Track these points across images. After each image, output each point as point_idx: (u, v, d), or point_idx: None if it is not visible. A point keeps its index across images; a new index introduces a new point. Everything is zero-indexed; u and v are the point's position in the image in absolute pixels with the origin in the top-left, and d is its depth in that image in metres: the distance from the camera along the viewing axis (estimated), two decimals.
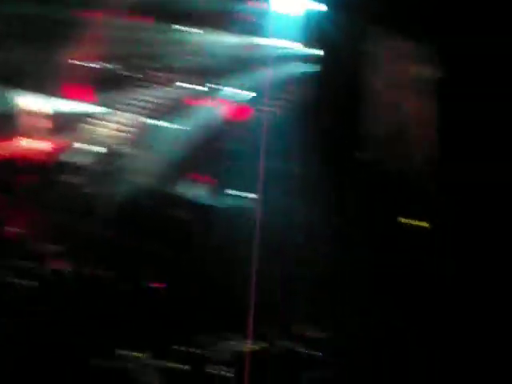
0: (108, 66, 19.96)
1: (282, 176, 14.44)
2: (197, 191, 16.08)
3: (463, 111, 11.91)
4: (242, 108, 18.01)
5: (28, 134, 18.03)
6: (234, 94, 17.94)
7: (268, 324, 12.05)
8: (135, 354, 11.81)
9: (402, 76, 13.70)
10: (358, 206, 13.38)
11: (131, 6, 18.58)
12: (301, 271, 12.57)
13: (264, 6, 17.35)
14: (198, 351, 11.50)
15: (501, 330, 10.90)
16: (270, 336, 11.97)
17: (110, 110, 19.81)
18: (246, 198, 15.46)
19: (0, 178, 15.86)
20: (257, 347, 10.91)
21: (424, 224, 12.57)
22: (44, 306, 12.20)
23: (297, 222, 12.88)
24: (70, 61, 18.80)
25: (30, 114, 17.93)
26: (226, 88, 18.13)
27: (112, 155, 17.49)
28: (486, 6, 11.47)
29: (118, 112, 20.03)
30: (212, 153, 16.90)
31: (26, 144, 17.98)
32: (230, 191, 15.68)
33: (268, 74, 17.07)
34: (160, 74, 19.84)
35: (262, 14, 17.53)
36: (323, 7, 14.41)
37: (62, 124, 18.89)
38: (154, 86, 19.77)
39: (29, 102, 17.89)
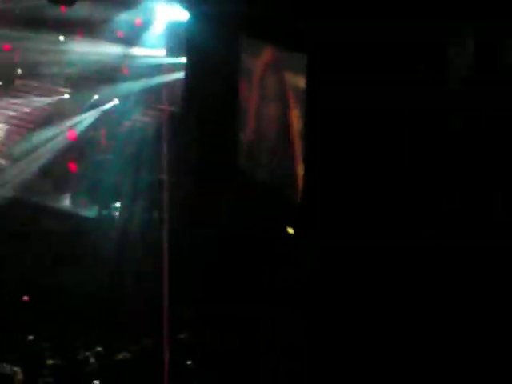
0: None
1: (151, 186, 14.39)
2: (67, 202, 15.91)
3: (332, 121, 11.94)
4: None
5: None
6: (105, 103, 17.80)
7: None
8: None
9: (274, 86, 13.68)
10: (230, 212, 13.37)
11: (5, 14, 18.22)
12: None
13: (135, 16, 17.29)
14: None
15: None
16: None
17: None
18: (113, 208, 15.39)
19: None
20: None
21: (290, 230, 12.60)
22: None
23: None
24: None
25: None
26: (96, 97, 17.98)
27: None
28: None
29: None
30: (82, 163, 16.71)
31: None
32: (97, 202, 15.55)
33: (140, 84, 17.01)
34: (30, 83, 19.48)
35: (134, 24, 17.47)
36: (194, 18, 14.33)
37: None
38: (24, 94, 19.40)
39: None
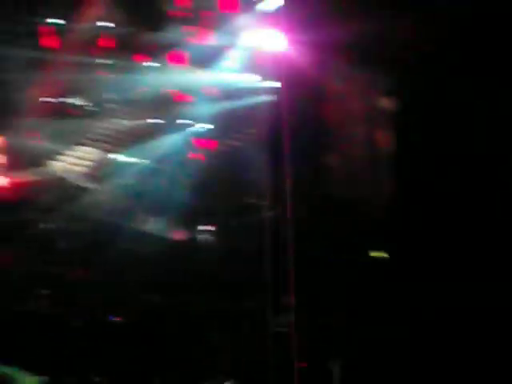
0: (66, 100, 19.93)
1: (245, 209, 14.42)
2: (157, 225, 15.94)
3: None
4: (203, 140, 17.96)
5: None
6: (194, 127, 17.94)
7: None
8: None
9: (366, 108, 13.75)
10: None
11: (88, 40, 18.64)
12: None
13: (222, 39, 17.39)
14: None
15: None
16: None
17: (69, 145, 19.75)
18: (205, 231, 15.37)
19: None
20: None
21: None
22: None
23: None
24: (28, 96, 18.78)
25: None
26: (186, 120, 18.11)
27: (71, 189, 17.39)
28: None
29: (78, 146, 19.97)
30: (174, 185, 16.75)
31: None
32: (188, 224, 15.55)
33: (228, 106, 17.06)
34: (119, 107, 19.80)
35: (220, 48, 17.58)
36: (291, 43, 14.41)
37: (21, 160, 18.77)
38: (113, 119, 19.73)
39: None
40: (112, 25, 19.68)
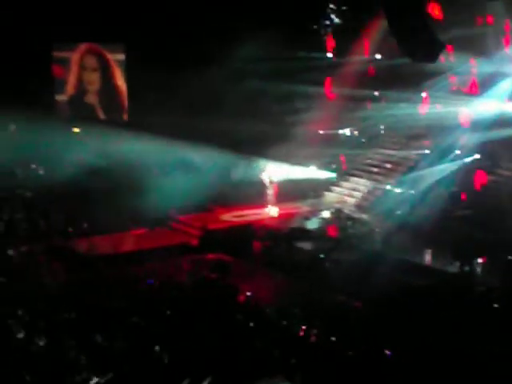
0: (337, 131, 20.39)
1: None
2: (431, 257, 15.62)
3: None
4: (475, 171, 17.53)
5: (264, 201, 18.68)
6: (464, 156, 17.54)
7: None
8: None
9: None
10: None
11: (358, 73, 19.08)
12: None
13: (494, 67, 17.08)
14: None
15: None
16: None
17: (342, 175, 20.14)
18: (475, 264, 14.78)
19: (236, 243, 16.43)
20: None
21: None
22: None
23: None
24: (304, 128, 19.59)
25: (266, 182, 18.59)
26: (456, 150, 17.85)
27: (344, 220, 17.68)
28: None
29: (350, 177, 20.29)
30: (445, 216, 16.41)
31: (261, 211, 18.66)
32: (460, 257, 15.01)
33: (501, 135, 16.67)
34: (388, 138, 19.90)
35: (493, 76, 17.24)
36: None
37: (293, 190, 19.41)
38: (383, 149, 19.85)
39: (267, 171, 18.60)
40: (382, 56, 19.99)
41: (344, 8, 20.31)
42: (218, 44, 19.86)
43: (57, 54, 22.40)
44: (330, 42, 20.99)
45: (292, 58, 19.76)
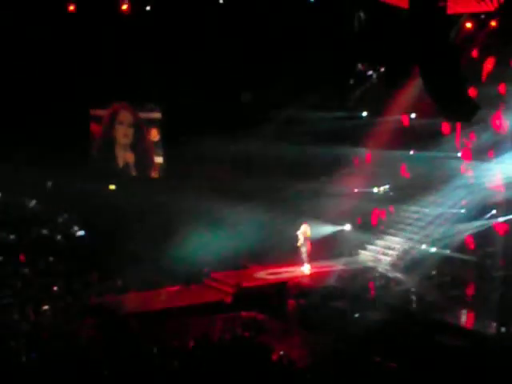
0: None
1: None
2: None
3: None
4: None
5: (298, 259, 18.63)
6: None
7: None
8: None
9: None
10: None
11: None
12: None
13: None
14: None
15: None
16: None
17: (377, 234, 20.01)
18: None
19: (270, 301, 16.36)
20: None
21: None
22: None
23: None
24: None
25: (301, 239, 18.54)
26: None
27: (378, 280, 17.55)
28: None
29: (385, 236, 20.19)
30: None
31: (296, 268, 18.58)
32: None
33: None
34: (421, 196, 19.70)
35: None
36: None
37: (328, 248, 19.33)
38: (417, 207, 19.72)
39: (302, 228, 18.58)
40: (416, 115, 20.04)
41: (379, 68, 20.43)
42: (254, 107, 20.28)
43: (93, 111, 22.91)
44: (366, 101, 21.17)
45: (329, 118, 19.96)
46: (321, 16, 19.14)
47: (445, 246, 17.90)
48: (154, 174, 22.55)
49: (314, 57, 19.50)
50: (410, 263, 18.03)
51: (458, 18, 16.18)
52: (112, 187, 22.12)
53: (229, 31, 20.06)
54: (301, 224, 18.54)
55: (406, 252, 18.64)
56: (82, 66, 20.78)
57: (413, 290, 16.44)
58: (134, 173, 22.93)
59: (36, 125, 20.83)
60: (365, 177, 20.31)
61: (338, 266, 18.27)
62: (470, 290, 16.65)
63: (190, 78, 20.63)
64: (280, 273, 18.06)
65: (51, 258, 18.17)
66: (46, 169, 19.90)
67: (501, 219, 17.30)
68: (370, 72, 20.44)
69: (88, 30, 20.36)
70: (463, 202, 18.55)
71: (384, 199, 20.37)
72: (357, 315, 15.36)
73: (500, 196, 17.60)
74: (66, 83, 20.93)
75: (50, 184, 21.63)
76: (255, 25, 19.87)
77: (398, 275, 17.48)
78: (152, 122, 22.45)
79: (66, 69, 20.78)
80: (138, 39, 20.58)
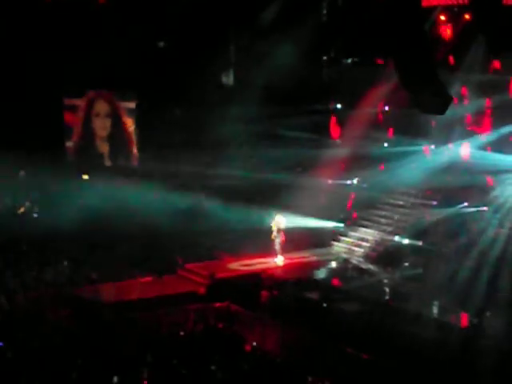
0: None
1: None
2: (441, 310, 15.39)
3: None
4: None
5: (272, 251, 18.63)
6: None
7: None
8: None
9: None
10: None
11: None
12: None
13: None
14: None
15: None
16: None
17: (351, 226, 20.08)
18: None
19: (243, 293, 16.35)
20: None
21: None
22: None
23: None
24: None
25: (275, 231, 18.55)
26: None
27: (351, 271, 17.62)
28: None
29: (359, 228, 20.28)
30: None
31: (269, 260, 18.63)
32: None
33: None
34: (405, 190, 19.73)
35: None
36: None
37: (302, 240, 19.35)
38: (397, 201, 19.77)
39: (275, 219, 18.58)
40: (390, 107, 20.09)
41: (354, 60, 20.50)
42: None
43: (68, 101, 22.69)
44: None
45: (302, 111, 19.98)
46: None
47: (418, 238, 18.03)
48: (129, 164, 22.40)
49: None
50: (384, 255, 18.14)
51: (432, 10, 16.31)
52: (85, 177, 21.95)
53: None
54: (274, 215, 18.55)
55: (379, 244, 18.73)
56: (55, 53, 20.55)
57: (385, 281, 16.58)
58: (108, 163, 22.74)
59: (8, 114, 20.59)
60: (340, 169, 20.40)
61: (311, 257, 18.33)
62: (443, 281, 16.71)
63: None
64: (254, 264, 18.09)
65: (24, 247, 18.05)
66: (19, 158, 19.67)
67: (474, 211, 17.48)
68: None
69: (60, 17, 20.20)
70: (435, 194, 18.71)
71: (357, 191, 20.44)
72: (330, 306, 15.42)
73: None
74: (39, 71, 20.65)
75: (22, 173, 21.40)
76: None
77: (371, 266, 17.58)
78: (128, 111, 22.36)
79: (38, 57, 20.49)
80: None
